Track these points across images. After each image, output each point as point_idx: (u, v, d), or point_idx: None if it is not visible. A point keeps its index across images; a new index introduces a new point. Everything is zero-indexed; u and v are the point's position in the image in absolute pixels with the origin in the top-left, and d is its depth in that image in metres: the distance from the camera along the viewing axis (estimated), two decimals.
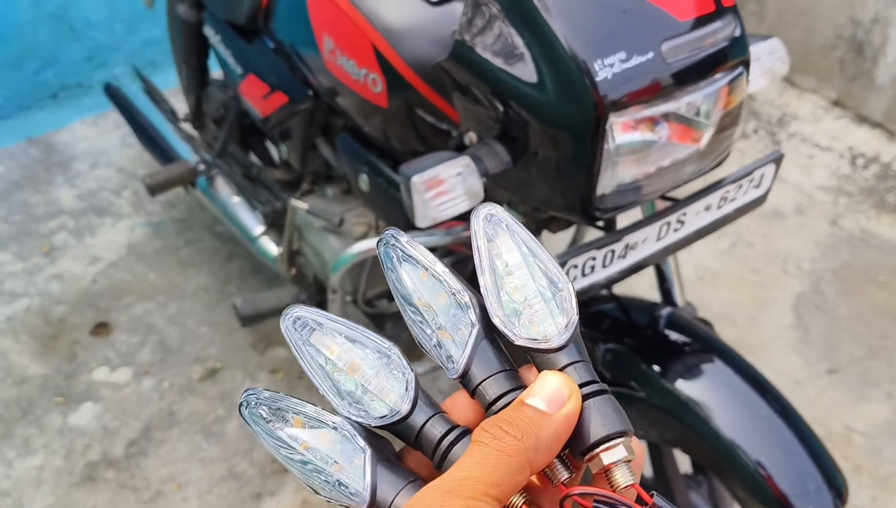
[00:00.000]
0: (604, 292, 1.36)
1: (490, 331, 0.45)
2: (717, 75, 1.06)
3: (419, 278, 0.47)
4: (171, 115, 2.38)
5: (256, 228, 2.03)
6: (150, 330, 2.27)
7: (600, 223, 1.23)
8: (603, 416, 0.42)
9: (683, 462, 1.41)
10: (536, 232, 1.26)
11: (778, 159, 1.22)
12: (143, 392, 2.10)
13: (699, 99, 1.06)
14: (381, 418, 0.45)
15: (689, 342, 1.25)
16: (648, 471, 1.46)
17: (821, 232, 2.56)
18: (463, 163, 1.05)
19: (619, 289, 1.41)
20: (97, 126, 3.08)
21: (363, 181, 1.51)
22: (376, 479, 0.44)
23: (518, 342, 0.44)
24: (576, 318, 0.45)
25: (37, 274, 2.45)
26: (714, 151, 1.15)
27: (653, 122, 1.06)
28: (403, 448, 0.47)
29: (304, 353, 0.46)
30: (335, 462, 0.44)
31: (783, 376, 2.12)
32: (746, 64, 1.09)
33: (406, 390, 0.45)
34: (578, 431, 0.42)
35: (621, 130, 1.02)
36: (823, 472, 1.07)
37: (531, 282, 0.46)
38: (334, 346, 0.46)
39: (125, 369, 2.17)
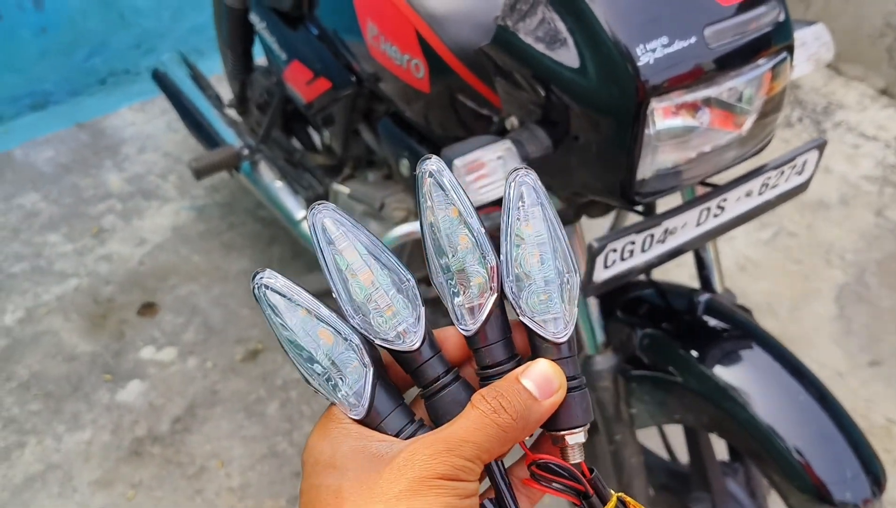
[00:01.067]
0: (642, 277, 1.37)
1: (501, 299, 0.50)
2: (761, 61, 1.05)
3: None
4: (217, 100, 2.43)
5: (299, 212, 2.06)
6: (195, 311, 2.33)
7: (640, 208, 1.23)
8: (578, 409, 0.50)
9: (720, 449, 1.41)
10: (576, 217, 1.26)
11: (821, 146, 1.21)
12: (187, 371, 2.16)
13: (741, 84, 1.05)
14: (388, 341, 0.49)
15: (727, 328, 1.25)
16: (685, 457, 1.46)
17: (865, 223, 2.51)
18: (504, 147, 1.06)
19: (658, 277, 1.42)
20: (144, 112, 3.15)
21: (404, 166, 1.53)
22: (374, 397, 0.48)
23: (524, 322, 0.49)
24: (576, 310, 0.51)
25: (86, 255, 2.53)
26: (756, 137, 1.14)
27: (694, 107, 1.06)
28: (385, 357, 0.51)
29: (325, 251, 0.49)
30: (335, 360, 0.48)
31: (825, 367, 2.09)
32: (790, 49, 1.08)
33: (418, 321, 0.49)
34: (555, 414, 0.49)
35: (662, 115, 1.02)
36: (861, 459, 1.07)
37: (550, 257, 0.50)
38: (354, 254, 0.49)
39: (170, 348, 2.22)
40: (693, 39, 0.99)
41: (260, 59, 2.16)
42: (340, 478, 0.45)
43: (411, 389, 0.53)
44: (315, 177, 2.03)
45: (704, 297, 1.30)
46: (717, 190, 1.15)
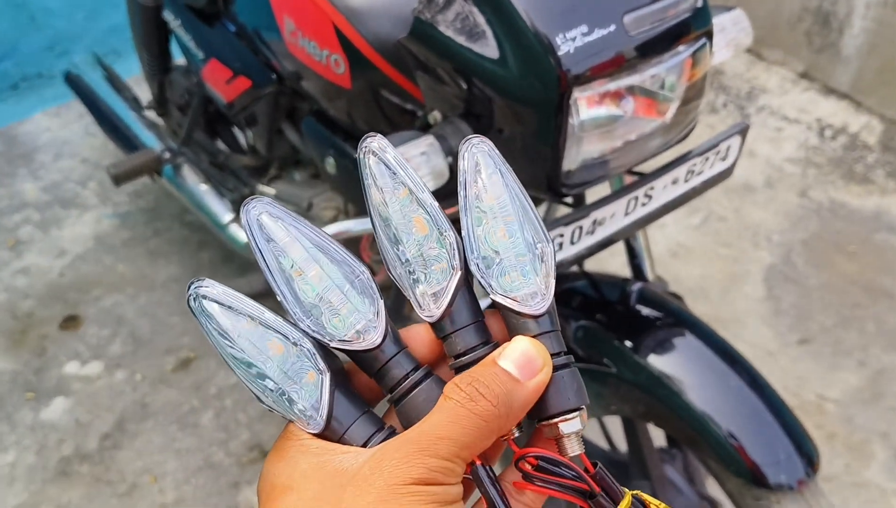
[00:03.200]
0: (574, 268, 1.36)
1: (468, 276, 0.45)
2: (681, 47, 1.05)
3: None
4: (135, 102, 2.34)
5: (225, 215, 2.00)
6: (121, 322, 2.25)
7: (569, 200, 1.22)
8: (568, 390, 0.43)
9: (657, 436, 1.41)
10: None
11: (743, 131, 1.22)
12: (115, 385, 2.08)
13: (663, 71, 1.05)
14: (343, 340, 0.43)
15: (659, 317, 1.25)
16: (623, 446, 1.46)
17: (790, 204, 2.57)
18: (427, 142, 1.03)
19: (592, 266, 1.41)
20: (60, 116, 3.03)
21: (330, 164, 1.49)
22: (333, 406, 0.43)
23: (495, 299, 0.44)
24: (553, 282, 0.45)
25: (2, 269, 2.41)
26: (680, 124, 1.15)
27: (618, 96, 1.05)
28: (350, 364, 0.46)
29: (265, 250, 0.44)
30: (286, 372, 0.43)
31: (756, 347, 2.13)
32: (709, 35, 1.08)
33: (376, 317, 0.44)
34: (543, 399, 0.43)
35: (586, 105, 1.01)
36: (794, 440, 1.08)
37: (518, 231, 0.45)
38: (299, 250, 0.44)
39: (96, 362, 2.14)
40: (613, 27, 0.97)
41: (179, 58, 2.08)
42: (298, 500, 0.40)
43: (384, 401, 0.48)
44: (240, 179, 1.97)
45: (637, 286, 1.30)
46: (644, 179, 1.15)
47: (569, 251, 1.11)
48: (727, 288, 2.32)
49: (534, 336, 0.44)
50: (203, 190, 2.04)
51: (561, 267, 1.12)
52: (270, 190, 1.72)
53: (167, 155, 2.07)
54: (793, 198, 2.59)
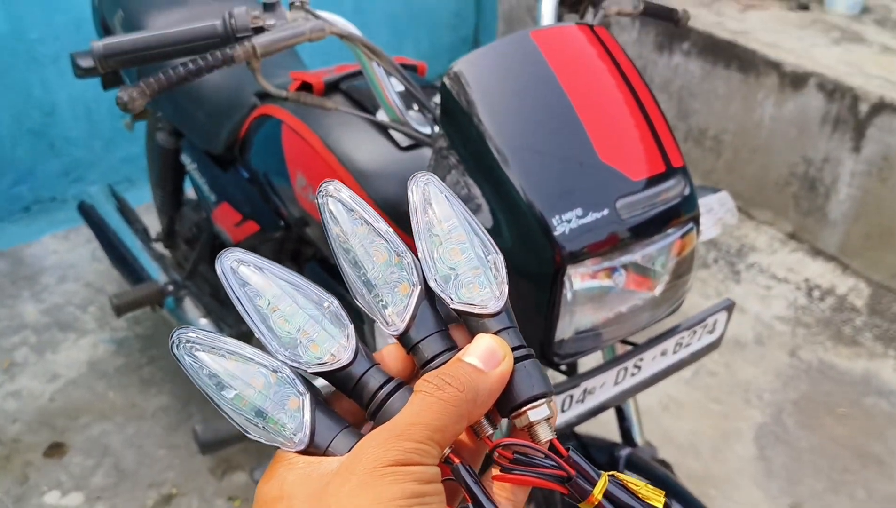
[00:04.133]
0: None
1: (429, 292, 0.49)
2: (670, 230, 1.11)
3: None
4: (144, 234, 2.41)
5: None
6: (106, 452, 2.22)
7: (563, 367, 1.25)
8: (531, 378, 0.47)
9: None
10: None
11: (729, 307, 1.27)
12: None
13: (653, 251, 1.11)
14: (319, 363, 0.47)
15: None
16: None
17: (780, 363, 2.60)
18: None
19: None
20: (68, 240, 3.10)
21: None
22: (315, 423, 0.46)
23: (455, 307, 0.48)
24: (506, 286, 0.49)
25: None
26: (670, 299, 1.19)
27: (611, 269, 1.10)
28: (332, 394, 0.49)
29: (240, 295, 0.47)
30: (270, 400, 0.46)
31: None
32: (696, 219, 1.14)
33: (347, 339, 0.48)
34: (509, 389, 0.46)
35: (580, 279, 1.06)
36: None
37: (470, 248, 0.49)
38: (273, 288, 0.48)
39: (76, 493, 2.10)
40: (606, 211, 1.04)
41: (190, 191, 2.17)
42: (289, 505, 0.42)
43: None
44: None
45: (626, 452, 1.31)
46: (634, 350, 1.19)
47: (559, 419, 1.13)
48: (718, 446, 2.31)
49: (494, 333, 0.47)
50: (202, 324, 2.07)
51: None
52: None
53: (170, 288, 2.12)
54: (783, 357, 2.62)
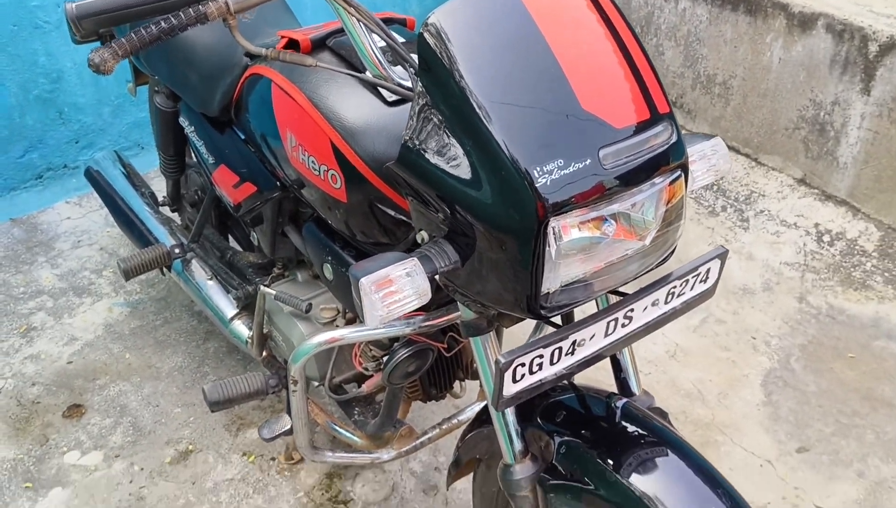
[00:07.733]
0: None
1: None
2: (657, 179, 1.10)
3: None
4: (151, 198, 2.43)
5: (229, 311, 2.05)
6: (124, 412, 2.28)
7: (557, 319, 1.25)
8: None
9: None
10: (489, 326, 1.28)
11: (722, 255, 1.26)
12: (113, 476, 2.09)
13: (640, 200, 1.10)
14: None
15: (643, 435, 1.26)
16: None
17: (789, 308, 2.60)
18: (412, 264, 1.08)
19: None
20: (81, 206, 3.13)
21: (327, 271, 1.55)
22: None
23: None
24: None
25: (13, 355, 2.46)
26: (660, 248, 1.19)
27: (599, 219, 1.10)
28: None
29: None
30: None
31: (754, 455, 2.12)
32: (684, 167, 1.13)
33: None
34: None
35: (566, 231, 1.06)
36: None
37: None
38: None
39: (96, 452, 2.16)
40: (588, 161, 1.03)
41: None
42: None
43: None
44: (245, 276, 2.03)
45: (622, 402, 1.32)
46: (624, 300, 1.19)
47: (549, 371, 1.14)
48: (725, 392, 2.32)
49: None
50: (209, 286, 2.10)
51: (542, 386, 1.15)
52: (271, 291, 1.77)
53: (177, 250, 2.14)
54: (791, 302, 2.62)
